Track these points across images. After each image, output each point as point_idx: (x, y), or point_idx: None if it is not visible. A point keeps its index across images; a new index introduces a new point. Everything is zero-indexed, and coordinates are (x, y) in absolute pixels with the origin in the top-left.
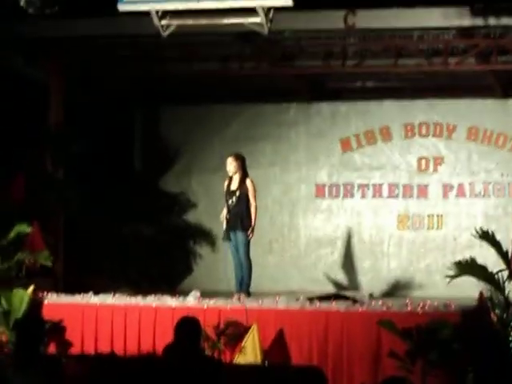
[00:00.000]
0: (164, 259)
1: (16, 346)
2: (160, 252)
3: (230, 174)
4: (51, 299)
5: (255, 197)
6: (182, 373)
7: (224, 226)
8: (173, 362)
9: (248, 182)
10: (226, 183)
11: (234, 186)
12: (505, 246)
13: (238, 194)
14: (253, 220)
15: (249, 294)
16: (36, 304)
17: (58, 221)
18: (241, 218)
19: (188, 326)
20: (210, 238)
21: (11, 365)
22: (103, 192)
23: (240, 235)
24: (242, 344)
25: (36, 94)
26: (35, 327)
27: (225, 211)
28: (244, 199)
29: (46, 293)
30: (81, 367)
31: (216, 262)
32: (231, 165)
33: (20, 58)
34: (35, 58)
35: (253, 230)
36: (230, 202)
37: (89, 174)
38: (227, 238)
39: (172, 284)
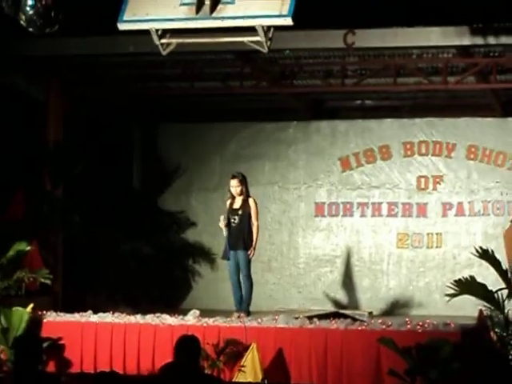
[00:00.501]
0: (163, 278)
1: (15, 364)
2: (159, 270)
3: (234, 195)
4: (50, 317)
5: (257, 216)
6: None
7: (225, 244)
8: (172, 380)
9: (251, 201)
10: (229, 202)
11: (237, 204)
12: (504, 264)
13: (240, 212)
14: (254, 239)
15: (248, 313)
16: (35, 322)
17: (57, 239)
18: (243, 238)
19: (187, 344)
20: (209, 257)
21: (11, 383)
22: (102, 210)
23: (242, 254)
24: (242, 363)
25: (35, 112)
26: (33, 345)
27: (222, 219)
28: (246, 218)
29: (45, 311)
30: None
31: (215, 281)
32: (238, 187)
33: (19, 75)
34: (34, 75)
35: (254, 249)
36: (233, 220)
37: (88, 192)
38: (226, 257)
39: (171, 302)
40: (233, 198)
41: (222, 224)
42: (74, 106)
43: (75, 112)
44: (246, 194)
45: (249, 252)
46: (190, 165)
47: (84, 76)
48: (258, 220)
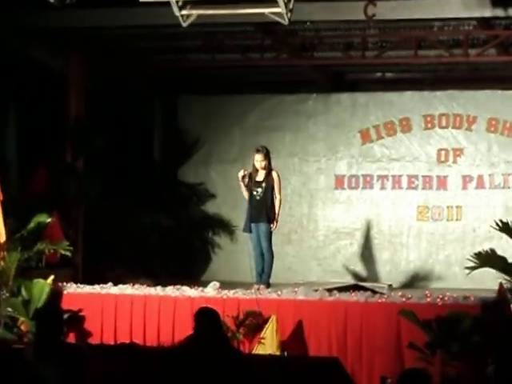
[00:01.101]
0: (183, 250)
1: (36, 336)
2: (179, 242)
3: (258, 169)
4: (70, 289)
5: (280, 190)
6: (207, 363)
7: (246, 217)
8: (193, 352)
9: (274, 174)
10: (251, 174)
11: (261, 177)
12: None
13: (264, 185)
14: (277, 212)
15: (268, 285)
16: (55, 294)
17: (77, 212)
18: (265, 210)
19: (205, 317)
20: (229, 229)
21: (32, 354)
22: (123, 183)
23: (263, 227)
24: (261, 335)
25: (56, 84)
26: (54, 317)
27: (242, 172)
28: (269, 191)
29: (65, 283)
30: (101, 356)
31: (235, 253)
32: (262, 162)
33: (40, 47)
34: (55, 47)
35: (277, 222)
36: (255, 192)
37: (108, 165)
38: (248, 229)
39: (191, 274)
40: (256, 170)
41: (240, 176)
42: (94, 78)
43: (96, 85)
44: (269, 168)
45: (271, 225)
46: (209, 137)
47: (105, 48)
48: (280, 193)
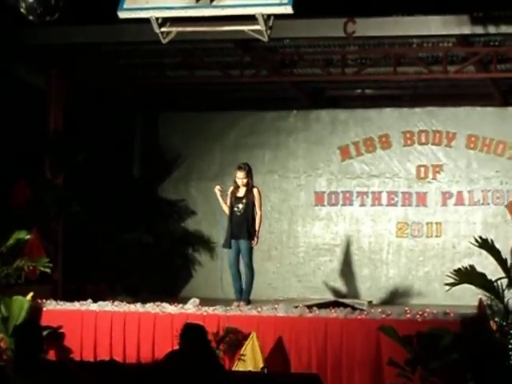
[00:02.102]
0: (163, 266)
1: (15, 353)
2: (159, 259)
3: (240, 185)
4: (50, 306)
5: (261, 206)
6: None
7: (226, 233)
8: (176, 368)
9: (255, 191)
10: (232, 190)
11: (241, 193)
12: (504, 253)
13: (244, 201)
14: (257, 229)
15: (249, 302)
16: (35, 311)
17: (57, 228)
18: (246, 227)
19: (192, 333)
20: (209, 246)
21: (12, 371)
22: (103, 199)
23: (244, 243)
24: (242, 351)
25: (36, 101)
26: (33, 334)
27: (218, 187)
28: (250, 207)
29: (44, 300)
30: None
31: (215, 269)
32: (244, 179)
33: (20, 64)
34: (35, 64)
35: (257, 239)
36: (236, 208)
37: (89, 181)
38: (228, 245)
39: (171, 291)
40: (237, 187)
41: (217, 189)
42: (74, 94)
43: (76, 101)
44: (250, 184)
45: (252, 241)
46: (190, 154)
47: (84, 64)
48: (261, 210)
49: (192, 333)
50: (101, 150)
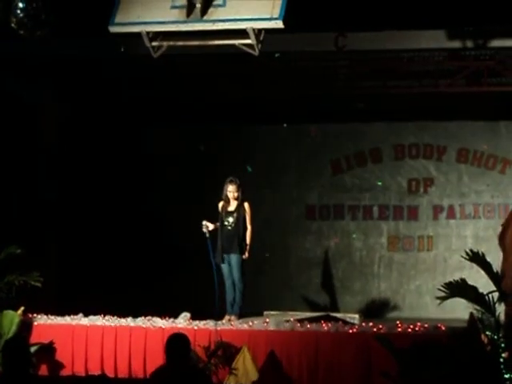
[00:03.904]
0: (155, 280)
1: (4, 368)
2: (151, 273)
3: (231, 199)
4: (41, 320)
5: (252, 220)
6: None
7: (217, 247)
8: (162, 380)
9: (246, 205)
10: (222, 204)
11: (232, 207)
12: (495, 267)
13: (235, 215)
14: (248, 242)
15: (240, 316)
16: (25, 325)
17: (50, 242)
18: (237, 241)
19: (176, 341)
20: (201, 259)
21: None
22: (95, 213)
23: (235, 257)
24: (233, 365)
25: (28, 115)
26: (22, 349)
27: (205, 223)
28: (241, 221)
29: (35, 314)
30: None
31: (207, 283)
32: (236, 193)
33: (12, 78)
34: (27, 78)
35: (248, 253)
36: (226, 222)
37: (83, 195)
38: (221, 260)
39: (162, 305)
40: (227, 201)
41: (205, 229)
42: (67, 109)
43: (69, 115)
44: (241, 198)
45: (244, 255)
46: (179, 168)
47: (75, 79)
48: (252, 223)
49: (176, 341)
50: (93, 161)
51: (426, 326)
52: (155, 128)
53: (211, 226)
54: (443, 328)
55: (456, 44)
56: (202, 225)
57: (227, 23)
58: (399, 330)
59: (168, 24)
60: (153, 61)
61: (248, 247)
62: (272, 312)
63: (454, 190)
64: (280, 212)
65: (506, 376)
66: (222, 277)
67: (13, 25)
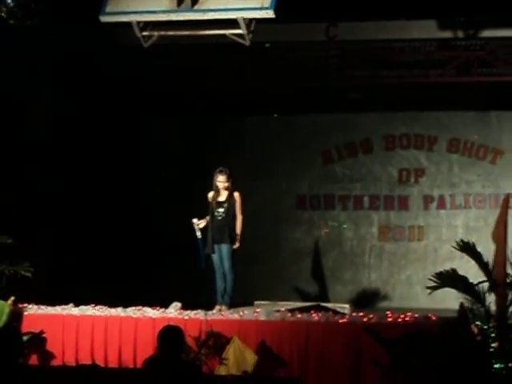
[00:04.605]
0: (145, 269)
1: None
2: (141, 263)
3: (221, 189)
4: (32, 310)
5: (242, 210)
6: (162, 381)
7: (207, 238)
8: (154, 373)
9: (236, 194)
10: (212, 195)
11: (223, 197)
12: (485, 257)
13: (226, 205)
14: (238, 232)
15: (230, 306)
16: (16, 315)
17: (40, 232)
18: (228, 231)
19: (169, 334)
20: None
21: None
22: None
23: (225, 248)
24: (223, 355)
25: (22, 107)
26: (13, 339)
27: (196, 221)
28: (232, 211)
29: (26, 304)
30: (62, 379)
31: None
32: (226, 183)
33: (3, 70)
34: (23, 70)
35: (239, 243)
36: (217, 213)
37: (78, 187)
38: (212, 250)
39: (153, 295)
40: (217, 191)
41: (195, 225)
42: (60, 101)
43: (63, 107)
44: (231, 188)
45: (235, 245)
46: (172, 159)
47: (66, 69)
48: (242, 213)
49: (169, 334)
50: (89, 155)
51: (416, 315)
52: (148, 119)
53: (203, 223)
54: (433, 318)
55: (447, 34)
56: (192, 223)
57: (218, 13)
58: (389, 319)
59: (159, 13)
60: (143, 52)
61: (238, 237)
62: (262, 302)
63: (444, 180)
64: (271, 202)
65: (496, 366)
66: (213, 267)
67: (3, 14)
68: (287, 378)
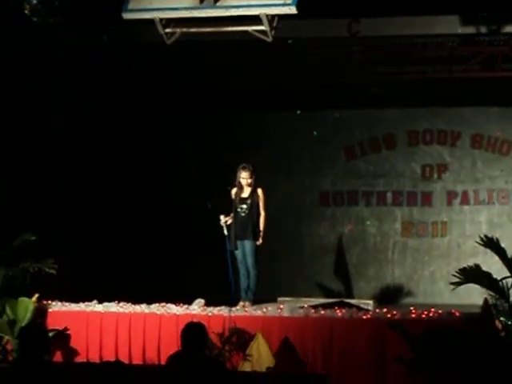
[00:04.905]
0: (168, 266)
1: (18, 355)
2: (165, 259)
3: (244, 186)
4: (56, 307)
5: (265, 206)
6: (186, 377)
7: (229, 233)
8: (178, 369)
9: (260, 191)
10: (235, 191)
11: (246, 194)
12: (509, 253)
13: (249, 202)
14: (262, 229)
15: (254, 302)
16: (40, 312)
17: (64, 229)
18: (251, 227)
19: (192, 330)
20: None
21: (13, 373)
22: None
23: (249, 244)
24: (247, 352)
25: (37, 102)
26: (39, 336)
27: (223, 218)
28: (255, 208)
29: (50, 301)
30: (86, 375)
31: (221, 270)
32: (249, 179)
33: (23, 64)
34: (37, 65)
35: (262, 239)
36: (240, 209)
37: (95, 184)
38: (234, 246)
39: (177, 291)
40: (241, 187)
41: (222, 222)
42: (79, 98)
43: (81, 104)
44: (254, 185)
45: (258, 242)
46: (193, 155)
47: (87, 65)
48: (265, 210)
49: (193, 330)
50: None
51: (439, 311)
52: (167, 116)
53: (229, 220)
54: (457, 314)
55: (470, 30)
56: (219, 219)
57: (240, 9)
58: (413, 315)
59: (181, 10)
60: (165, 48)
61: (262, 233)
62: (286, 298)
63: (467, 176)
64: (294, 199)
65: None
66: (236, 263)
67: (26, 11)
68: (313, 374)
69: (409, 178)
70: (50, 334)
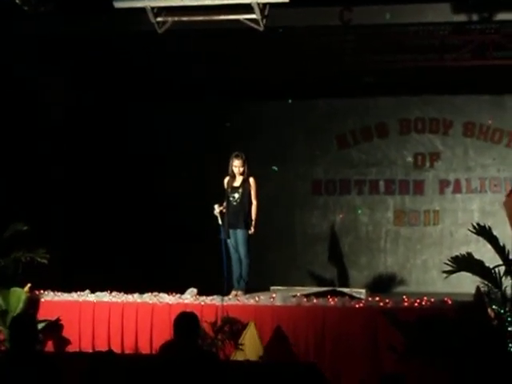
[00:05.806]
0: (162, 256)
1: (10, 345)
2: (157, 249)
3: (236, 174)
4: (48, 297)
5: (257, 195)
6: (179, 367)
7: (222, 222)
8: (170, 358)
9: (251, 179)
10: (227, 180)
11: (238, 183)
12: (501, 241)
13: (241, 191)
14: (254, 218)
15: (246, 291)
16: (32, 302)
17: (56, 219)
18: (243, 216)
19: (185, 320)
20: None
21: (5, 362)
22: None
23: (241, 233)
24: (240, 341)
25: (31, 93)
26: (29, 326)
27: (217, 208)
28: (246, 196)
29: (42, 291)
30: (78, 365)
31: (212, 259)
32: (241, 167)
33: (14, 55)
34: (29, 55)
35: (254, 228)
36: (232, 198)
37: (88, 172)
38: (227, 235)
39: (168, 281)
40: (233, 176)
41: (216, 212)
42: (74, 87)
43: (73, 92)
44: (246, 173)
45: (250, 231)
46: (187, 144)
47: (79, 55)
48: (257, 199)
49: (185, 320)
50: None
51: (432, 300)
52: (161, 105)
53: (224, 209)
54: (450, 302)
55: (461, 17)
56: (213, 209)
57: None
58: (406, 304)
59: None
60: (156, 38)
61: (254, 222)
62: (278, 287)
63: (460, 164)
64: (286, 187)
65: None
66: (229, 252)
67: (17, 1)
68: (303, 362)
69: (401, 167)
70: (42, 324)
